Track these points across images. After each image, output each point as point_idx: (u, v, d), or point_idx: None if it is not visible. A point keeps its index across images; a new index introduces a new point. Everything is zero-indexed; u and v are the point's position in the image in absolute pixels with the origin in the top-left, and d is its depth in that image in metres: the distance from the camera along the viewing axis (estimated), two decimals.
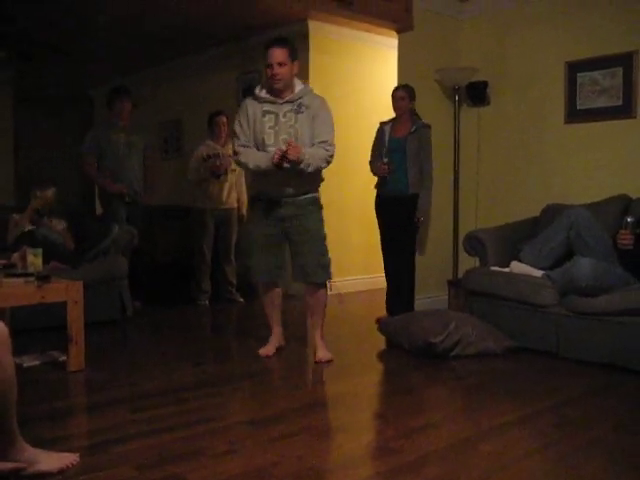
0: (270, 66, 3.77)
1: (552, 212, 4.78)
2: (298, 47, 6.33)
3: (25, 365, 3.80)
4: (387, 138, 5.05)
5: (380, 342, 4.50)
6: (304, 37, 6.33)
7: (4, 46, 6.20)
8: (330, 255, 4.00)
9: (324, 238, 3.98)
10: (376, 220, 5.23)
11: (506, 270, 4.47)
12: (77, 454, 2.50)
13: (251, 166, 3.84)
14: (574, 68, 5.08)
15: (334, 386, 3.57)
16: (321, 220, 4.00)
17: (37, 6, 5.65)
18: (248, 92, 6.93)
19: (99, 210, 6.21)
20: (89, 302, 3.94)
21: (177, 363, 3.99)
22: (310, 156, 3.75)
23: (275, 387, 3.51)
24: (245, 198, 6.15)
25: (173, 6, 5.74)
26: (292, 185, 3.85)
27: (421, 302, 5.33)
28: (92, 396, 3.44)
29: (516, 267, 4.40)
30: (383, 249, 5.23)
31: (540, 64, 5.34)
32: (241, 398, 3.46)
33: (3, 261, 4.17)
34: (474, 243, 4.77)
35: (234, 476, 2.38)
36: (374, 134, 5.21)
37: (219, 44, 7.20)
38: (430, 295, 5.60)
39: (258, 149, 3.86)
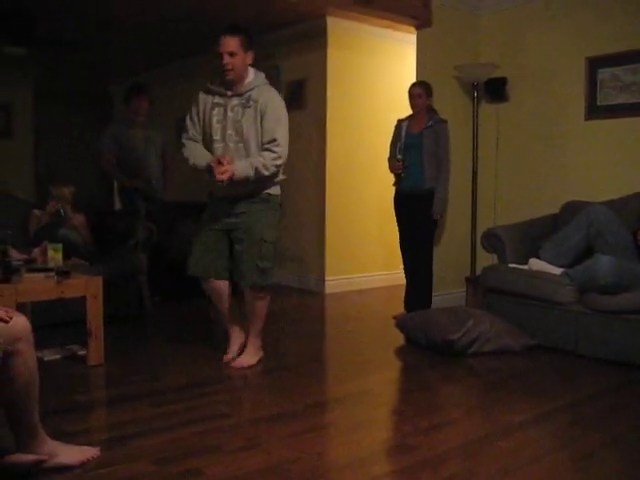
0: (220, 56, 3.55)
1: (572, 209, 4.74)
2: (316, 43, 6.44)
3: (45, 359, 3.83)
4: (404, 134, 5.04)
5: (398, 339, 4.50)
6: (322, 33, 6.32)
7: (24, 44, 6.24)
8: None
9: (269, 241, 3.70)
10: (394, 216, 5.22)
11: (525, 267, 4.44)
12: (98, 448, 2.53)
13: (190, 163, 3.68)
14: (595, 64, 5.03)
15: (351, 382, 3.57)
16: (269, 222, 3.72)
17: (57, 4, 5.70)
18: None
19: (118, 206, 6.26)
20: (108, 297, 3.97)
21: (196, 358, 4.01)
22: (244, 169, 3.52)
23: (293, 383, 3.51)
24: None
25: (191, 3, 5.75)
26: (235, 185, 3.57)
27: (439, 299, 5.32)
28: (111, 390, 3.48)
29: (535, 264, 4.38)
30: (401, 246, 5.22)
31: (560, 60, 5.29)
32: (259, 394, 3.47)
33: (24, 256, 4.22)
34: (492, 240, 4.75)
35: (252, 472, 2.40)
36: (392, 131, 5.20)
37: None
38: (448, 292, 5.58)
39: (207, 144, 3.70)
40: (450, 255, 5.64)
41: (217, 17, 6.26)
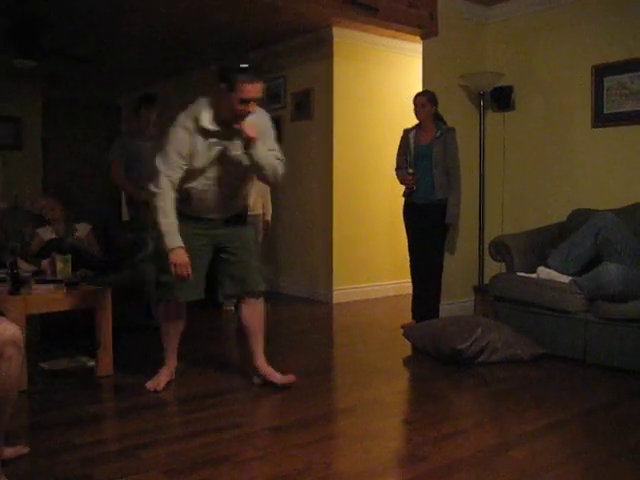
0: (245, 101, 3.18)
1: (579, 217, 4.73)
2: (322, 53, 6.47)
3: (54, 369, 3.84)
4: (413, 146, 5.04)
5: (406, 348, 4.49)
6: (328, 44, 6.35)
7: (33, 56, 6.29)
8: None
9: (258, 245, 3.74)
10: (403, 226, 5.22)
11: (533, 276, 4.44)
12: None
13: (159, 219, 3.28)
14: (601, 72, 5.03)
15: (360, 392, 3.56)
16: (250, 227, 3.74)
17: (65, 16, 5.75)
18: (274, 99, 7.05)
19: (126, 217, 6.27)
20: (117, 308, 3.98)
21: (205, 368, 4.02)
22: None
23: (301, 393, 3.51)
24: (270, 205, 6.18)
25: (198, 15, 5.79)
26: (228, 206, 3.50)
27: (447, 308, 5.31)
28: (121, 401, 3.48)
29: (543, 273, 4.37)
30: (411, 255, 5.21)
31: (566, 68, 5.29)
32: (269, 404, 3.47)
33: (33, 267, 4.24)
34: (500, 248, 4.75)
35: None
36: (398, 141, 5.20)
37: (245, 50, 7.25)
38: (456, 301, 5.57)
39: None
40: (458, 264, 5.63)
41: (226, 28, 6.32)
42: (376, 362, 4.28)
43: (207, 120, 3.27)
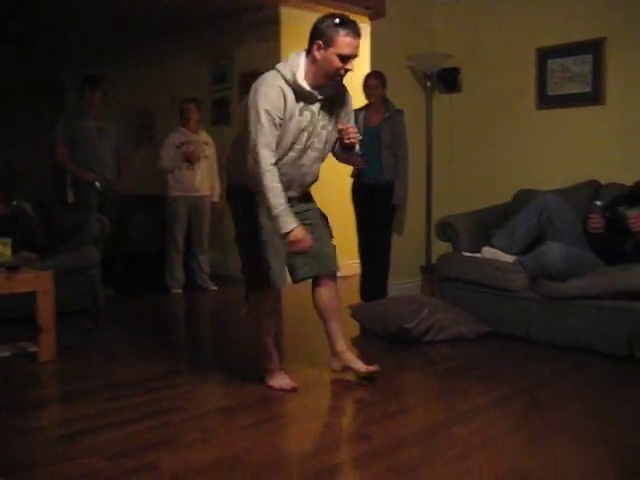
0: (345, 58, 2.91)
1: (523, 198, 4.81)
2: (269, 33, 6.39)
3: None
4: (362, 127, 5.04)
5: (354, 328, 4.51)
6: (276, 23, 6.29)
7: None
8: None
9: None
10: (352, 207, 5.24)
11: (478, 255, 4.50)
12: None
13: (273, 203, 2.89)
14: (545, 54, 5.10)
15: (307, 373, 3.57)
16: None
17: None
18: (221, 79, 6.97)
19: (70, 199, 6.14)
20: (60, 292, 3.90)
21: (150, 352, 3.96)
22: None
23: (247, 375, 3.49)
24: (217, 186, 6.12)
25: None
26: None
27: (394, 288, 5.35)
28: (64, 386, 3.43)
29: (488, 252, 4.43)
30: (359, 236, 5.23)
31: (511, 50, 5.35)
32: (214, 386, 3.44)
33: None
34: (446, 229, 4.80)
35: (206, 464, 2.38)
36: None
37: (191, 30, 7.13)
38: (403, 281, 5.62)
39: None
40: (406, 244, 5.67)
41: (170, 7, 6.20)
42: (323, 342, 4.27)
43: (302, 78, 2.93)
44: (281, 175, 2.93)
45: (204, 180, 6.07)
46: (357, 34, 2.91)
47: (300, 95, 2.94)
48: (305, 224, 3.10)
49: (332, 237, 3.37)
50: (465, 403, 3.05)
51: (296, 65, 2.96)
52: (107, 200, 5.72)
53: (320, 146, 3.13)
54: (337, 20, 2.91)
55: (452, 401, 3.11)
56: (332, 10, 5.75)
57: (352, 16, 5.82)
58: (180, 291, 6.06)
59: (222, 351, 3.91)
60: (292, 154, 3.02)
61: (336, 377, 3.46)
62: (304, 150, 3.06)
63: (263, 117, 2.85)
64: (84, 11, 6.26)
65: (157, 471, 2.33)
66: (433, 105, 5.70)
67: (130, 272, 6.27)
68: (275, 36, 6.32)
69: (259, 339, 3.29)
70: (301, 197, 3.25)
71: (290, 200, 3.03)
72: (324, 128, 3.08)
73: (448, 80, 5.67)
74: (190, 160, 5.90)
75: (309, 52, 2.98)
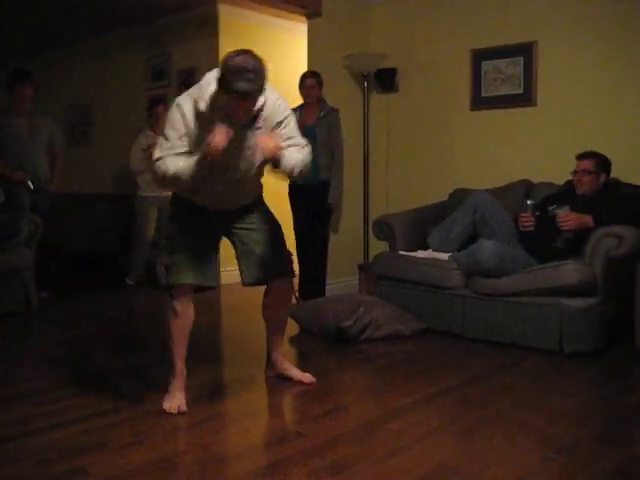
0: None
1: (459, 197, 4.90)
2: (208, 31, 6.33)
3: None
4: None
5: (292, 328, 4.49)
6: (214, 21, 6.24)
7: None
8: None
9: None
10: (289, 208, 5.24)
11: (413, 254, 4.55)
12: None
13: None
14: (479, 56, 5.20)
15: (242, 373, 3.54)
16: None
17: None
18: (158, 76, 6.87)
19: (1, 199, 5.95)
20: None
21: (81, 355, 3.88)
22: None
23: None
24: None
25: None
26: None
27: (332, 287, 5.38)
28: None
29: (423, 253, 4.50)
30: (297, 236, 5.23)
31: (447, 51, 5.44)
32: (146, 388, 3.36)
33: None
34: (383, 228, 4.84)
35: (138, 467, 2.34)
36: None
37: (127, 25, 7.00)
38: (341, 280, 5.65)
39: None
40: (344, 243, 5.70)
41: (110, 0, 6.08)
42: (261, 341, 4.25)
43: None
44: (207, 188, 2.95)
45: None
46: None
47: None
48: (249, 229, 3.18)
49: (281, 243, 3.28)
50: (400, 399, 3.08)
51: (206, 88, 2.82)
52: (41, 200, 5.57)
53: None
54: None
55: (388, 398, 3.14)
56: (270, 8, 5.78)
57: (289, 15, 5.92)
58: (133, 283, 6.05)
59: (156, 351, 3.84)
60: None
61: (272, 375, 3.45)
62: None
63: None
64: (15, 3, 6.07)
65: (86, 476, 2.27)
66: (370, 105, 5.75)
67: (67, 273, 6.16)
68: (213, 33, 6.27)
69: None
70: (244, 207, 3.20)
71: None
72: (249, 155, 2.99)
73: (385, 80, 5.72)
74: None
75: None
